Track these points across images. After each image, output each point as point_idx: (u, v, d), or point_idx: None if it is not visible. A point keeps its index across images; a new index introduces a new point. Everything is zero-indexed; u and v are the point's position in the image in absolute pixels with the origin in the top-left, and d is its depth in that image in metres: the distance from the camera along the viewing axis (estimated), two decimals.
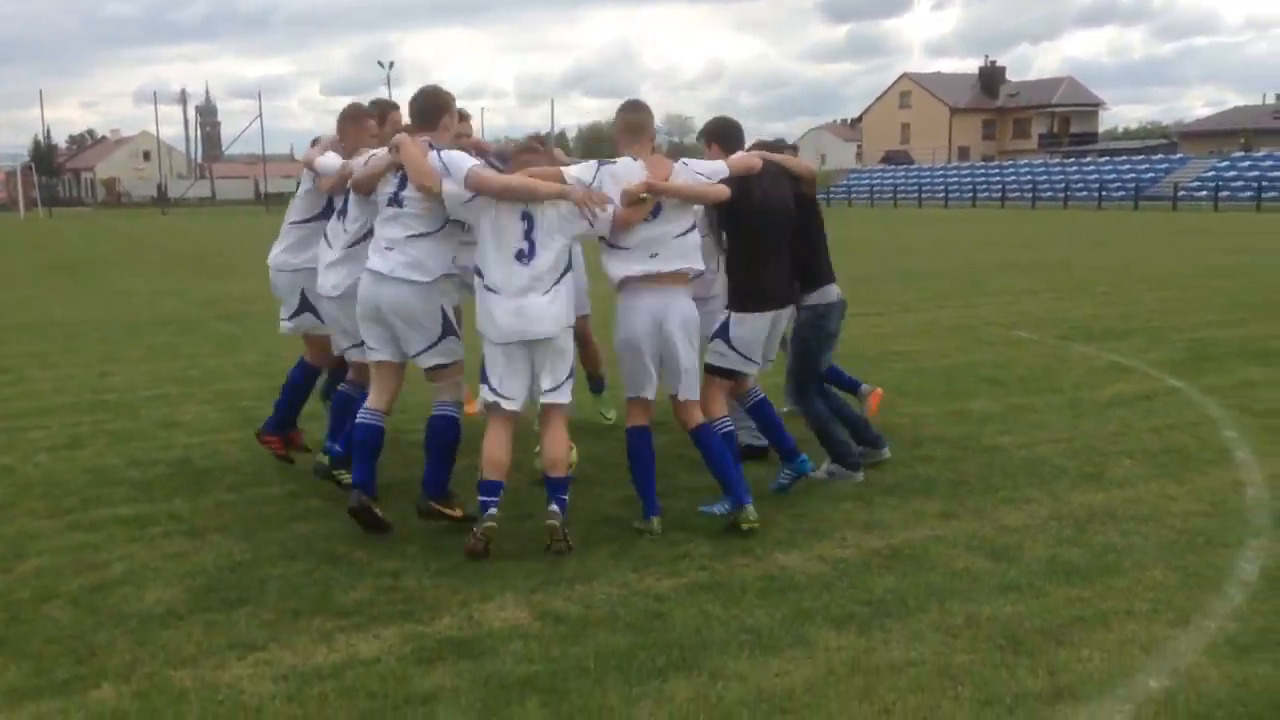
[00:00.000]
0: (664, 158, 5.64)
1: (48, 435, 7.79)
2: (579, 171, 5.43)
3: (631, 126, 5.55)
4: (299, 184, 6.48)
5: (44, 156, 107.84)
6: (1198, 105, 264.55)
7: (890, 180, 76.68)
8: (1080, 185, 62.43)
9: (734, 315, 5.76)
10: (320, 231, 6.23)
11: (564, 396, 5.39)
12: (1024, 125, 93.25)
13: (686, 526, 5.51)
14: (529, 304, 5.23)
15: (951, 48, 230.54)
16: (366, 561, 5.14)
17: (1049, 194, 62.27)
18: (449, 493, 5.63)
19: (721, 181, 5.55)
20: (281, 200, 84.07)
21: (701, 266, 5.59)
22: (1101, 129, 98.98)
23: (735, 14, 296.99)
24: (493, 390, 5.33)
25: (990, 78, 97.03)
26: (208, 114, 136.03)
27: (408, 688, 3.87)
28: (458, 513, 5.56)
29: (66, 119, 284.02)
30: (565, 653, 4.14)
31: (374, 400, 5.67)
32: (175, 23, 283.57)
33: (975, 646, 4.15)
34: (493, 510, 5.19)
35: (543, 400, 5.39)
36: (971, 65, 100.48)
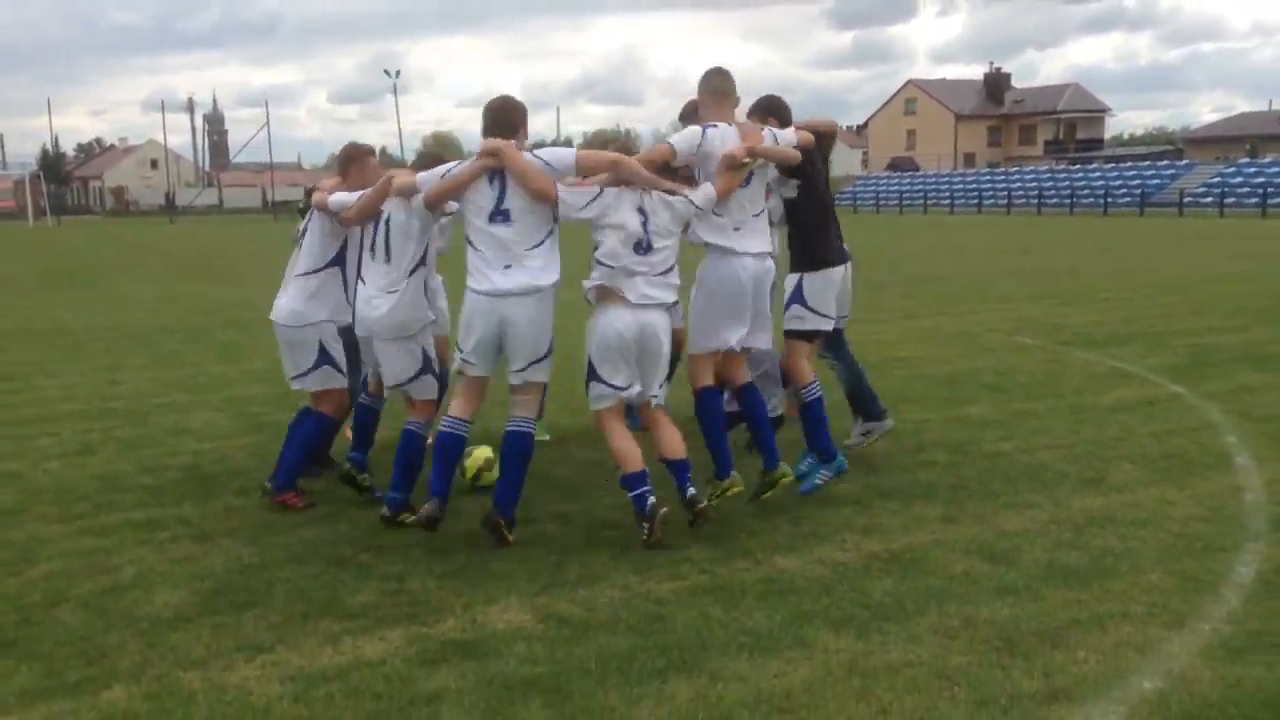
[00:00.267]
0: (752, 123, 5.85)
1: (57, 442, 7.87)
2: (682, 138, 5.58)
3: (718, 91, 5.71)
4: (301, 234, 6.29)
5: (52, 165, 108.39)
6: (1205, 111, 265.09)
7: (895, 187, 76.73)
8: (1086, 192, 62.41)
9: (805, 276, 6.07)
10: (334, 280, 6.16)
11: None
12: (1030, 132, 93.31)
13: (688, 531, 5.57)
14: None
15: (957, 54, 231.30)
16: (372, 565, 5.21)
17: (1055, 200, 62.26)
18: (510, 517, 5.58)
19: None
20: (289, 208, 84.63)
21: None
22: (1108, 135, 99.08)
23: (741, 21, 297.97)
24: (611, 386, 5.46)
25: (996, 84, 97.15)
26: (215, 122, 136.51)
27: (412, 689, 3.94)
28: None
29: (75, 127, 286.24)
30: (568, 654, 4.20)
31: (460, 409, 5.59)
32: (182, 31, 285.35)
33: (972, 648, 4.20)
34: (652, 498, 5.37)
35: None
36: (977, 71, 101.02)
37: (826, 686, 3.91)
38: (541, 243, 5.38)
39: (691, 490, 5.53)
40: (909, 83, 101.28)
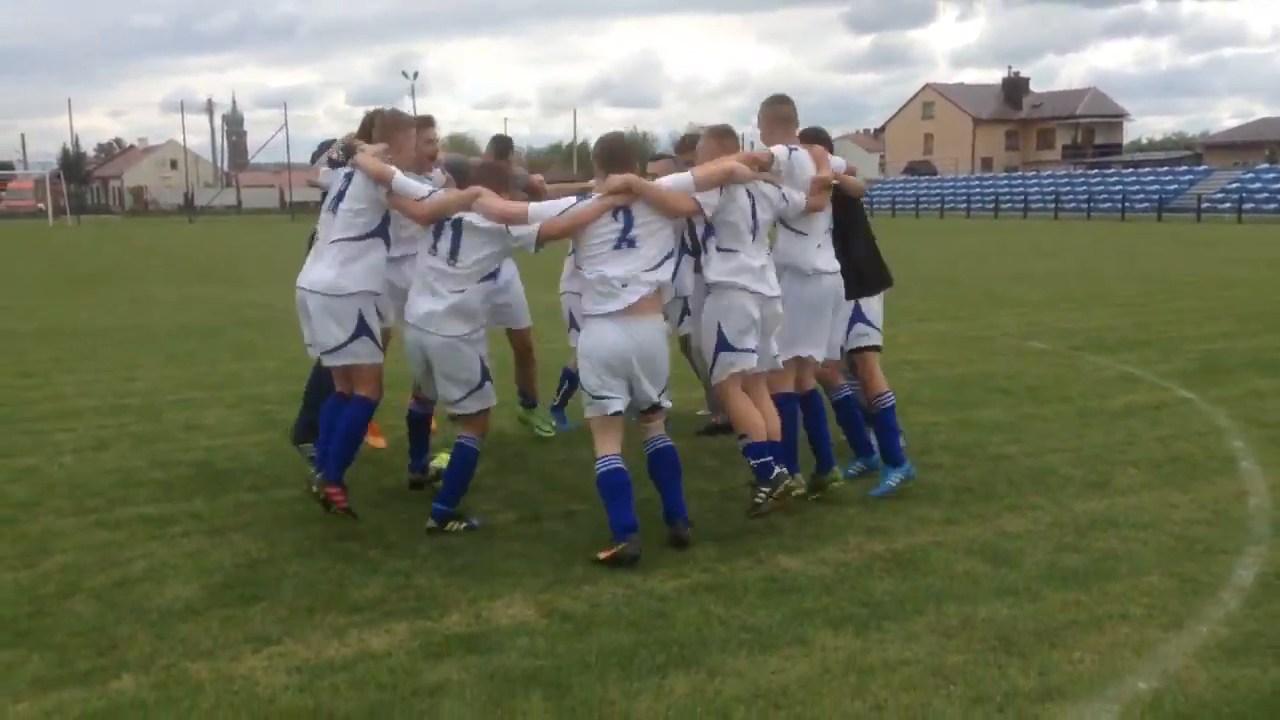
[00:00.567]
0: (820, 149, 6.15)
1: (73, 437, 7.97)
2: (777, 150, 5.83)
3: (785, 118, 6.03)
4: (337, 196, 5.77)
5: (72, 165, 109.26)
6: (1225, 117, 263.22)
7: (913, 191, 76.62)
8: (1104, 196, 62.23)
9: (862, 301, 6.42)
10: (378, 249, 5.77)
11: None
12: (1048, 136, 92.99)
13: (692, 530, 5.62)
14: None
15: (976, 58, 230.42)
16: (380, 561, 5.28)
17: (1072, 205, 62.08)
18: None
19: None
20: (307, 210, 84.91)
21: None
22: (1127, 140, 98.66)
23: (759, 25, 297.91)
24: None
25: (1014, 88, 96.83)
26: (234, 123, 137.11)
27: (416, 680, 4.01)
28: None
29: (95, 127, 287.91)
30: (569, 649, 4.26)
31: (611, 447, 5.41)
32: (202, 33, 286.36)
33: (969, 647, 4.25)
34: (779, 469, 5.56)
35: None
36: (996, 76, 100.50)
37: (823, 683, 3.96)
38: (665, 261, 5.47)
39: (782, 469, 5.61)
40: (927, 86, 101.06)
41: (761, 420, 5.64)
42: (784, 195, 5.81)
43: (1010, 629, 4.41)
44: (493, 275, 5.75)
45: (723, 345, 5.63)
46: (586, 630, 4.44)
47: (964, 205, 68.29)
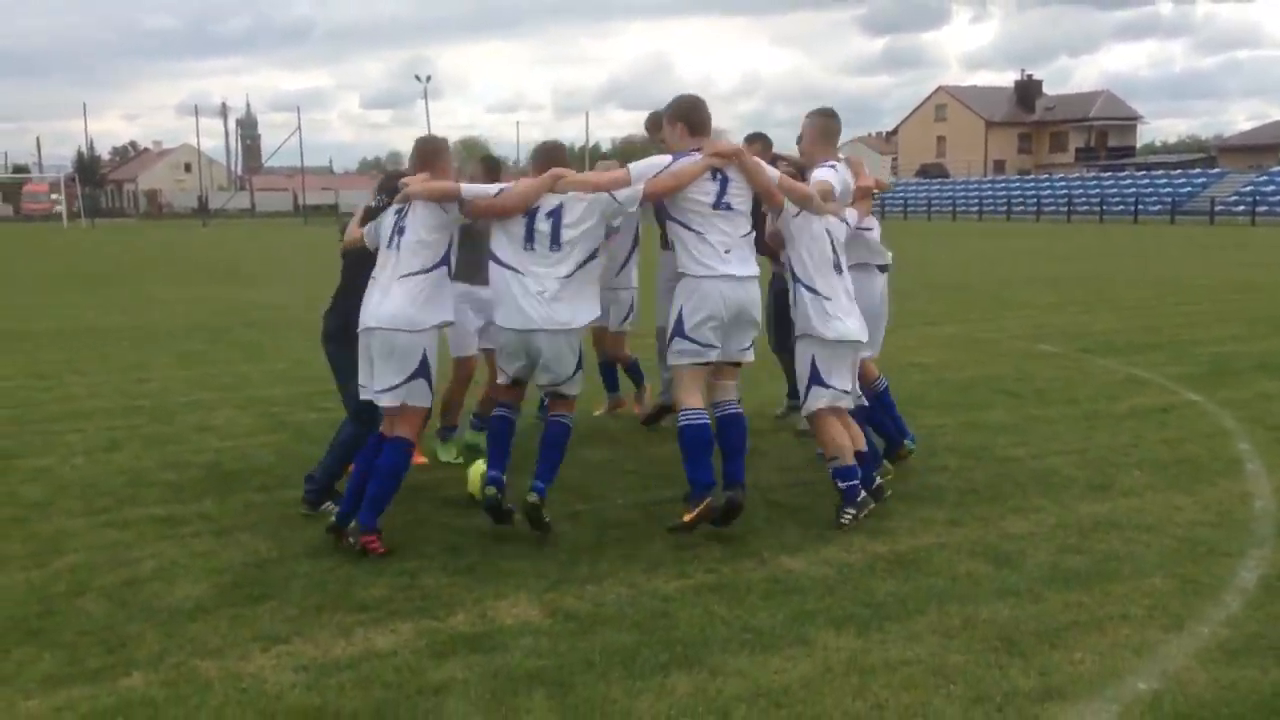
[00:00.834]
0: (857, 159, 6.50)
1: (84, 438, 8.04)
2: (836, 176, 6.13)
3: (829, 131, 6.33)
4: (396, 231, 5.55)
5: (87, 168, 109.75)
6: (1240, 119, 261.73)
7: (924, 193, 76.52)
8: (1116, 199, 62.10)
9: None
10: (444, 280, 5.59)
11: None
12: (1061, 139, 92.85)
13: (696, 531, 5.65)
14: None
15: (990, 60, 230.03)
16: (386, 561, 5.32)
17: (1085, 208, 61.96)
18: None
19: None
20: (320, 213, 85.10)
21: None
22: (1140, 143, 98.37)
23: (772, 27, 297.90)
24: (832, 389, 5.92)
25: (1026, 91, 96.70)
26: (248, 127, 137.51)
27: (421, 679, 4.05)
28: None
29: (110, 131, 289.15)
30: (573, 648, 4.30)
31: (699, 400, 5.69)
32: (216, 36, 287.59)
33: (970, 648, 4.27)
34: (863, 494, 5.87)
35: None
36: (1009, 78, 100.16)
37: (824, 682, 3.99)
38: (749, 233, 5.75)
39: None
40: (939, 89, 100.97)
41: (849, 443, 5.92)
42: (845, 221, 6.13)
43: (1012, 629, 4.43)
44: (594, 255, 5.68)
45: (816, 376, 5.92)
46: (590, 630, 4.48)
47: (976, 208, 68.18)
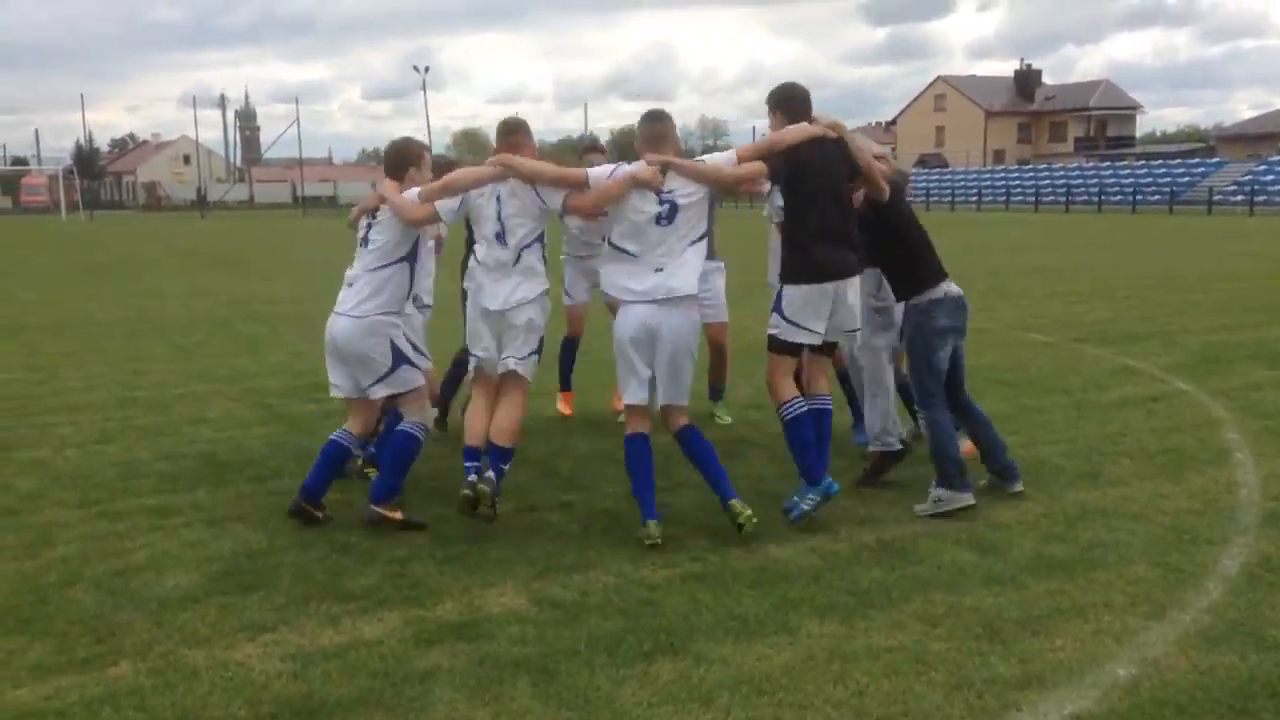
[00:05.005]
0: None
1: (78, 431, 8.07)
2: None
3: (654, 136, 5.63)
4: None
5: (86, 160, 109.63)
6: (1244, 108, 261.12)
7: (923, 183, 76.42)
8: (1115, 189, 62.08)
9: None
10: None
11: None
12: (1060, 129, 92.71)
13: (685, 521, 5.70)
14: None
15: (993, 49, 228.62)
16: (376, 551, 5.35)
17: (1084, 198, 61.94)
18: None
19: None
20: (319, 204, 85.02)
21: None
22: (1141, 132, 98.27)
23: (774, 17, 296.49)
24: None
25: (1026, 80, 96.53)
26: (247, 118, 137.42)
27: (407, 667, 4.09)
28: (397, 515, 5.70)
29: (111, 123, 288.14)
30: (558, 636, 4.34)
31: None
32: (219, 28, 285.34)
33: (953, 635, 4.31)
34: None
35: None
36: (1013, 68, 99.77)
37: (807, 669, 4.02)
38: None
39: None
40: (938, 79, 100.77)
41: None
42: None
43: (994, 617, 4.47)
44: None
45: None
46: (576, 618, 4.52)
47: (975, 198, 68.13)
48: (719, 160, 5.60)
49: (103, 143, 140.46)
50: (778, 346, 5.69)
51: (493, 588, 4.86)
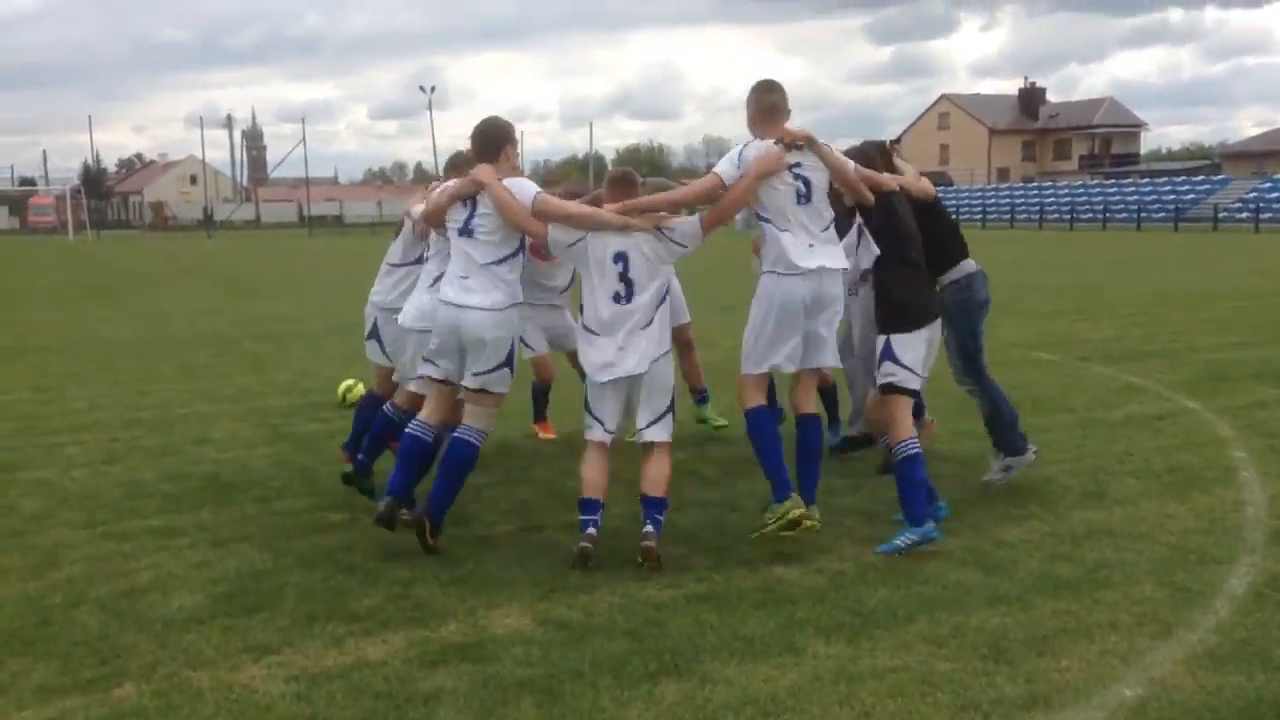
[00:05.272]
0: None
1: (84, 451, 8.09)
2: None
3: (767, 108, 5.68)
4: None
5: (93, 180, 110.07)
6: (1247, 125, 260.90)
7: None
8: (1120, 207, 62.09)
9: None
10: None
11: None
12: (1064, 146, 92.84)
13: (690, 540, 5.69)
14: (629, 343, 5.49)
15: (997, 68, 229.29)
16: (380, 571, 5.35)
17: (1088, 215, 61.96)
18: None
19: None
20: (325, 223, 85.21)
21: None
22: (1145, 150, 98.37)
23: (779, 36, 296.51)
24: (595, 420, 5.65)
25: (1030, 99, 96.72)
26: (254, 138, 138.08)
27: (411, 688, 4.08)
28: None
29: (118, 143, 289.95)
30: (563, 657, 4.33)
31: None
32: (227, 49, 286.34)
33: (959, 655, 4.29)
34: (591, 530, 5.44)
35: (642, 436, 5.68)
36: (1016, 86, 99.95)
37: (812, 690, 4.01)
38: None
39: (649, 529, 5.47)
40: (942, 97, 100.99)
41: (597, 482, 5.64)
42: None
43: (1000, 637, 4.45)
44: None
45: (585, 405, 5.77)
46: (581, 639, 4.51)
47: (979, 216, 68.15)
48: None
49: (110, 163, 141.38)
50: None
51: (497, 608, 4.86)
